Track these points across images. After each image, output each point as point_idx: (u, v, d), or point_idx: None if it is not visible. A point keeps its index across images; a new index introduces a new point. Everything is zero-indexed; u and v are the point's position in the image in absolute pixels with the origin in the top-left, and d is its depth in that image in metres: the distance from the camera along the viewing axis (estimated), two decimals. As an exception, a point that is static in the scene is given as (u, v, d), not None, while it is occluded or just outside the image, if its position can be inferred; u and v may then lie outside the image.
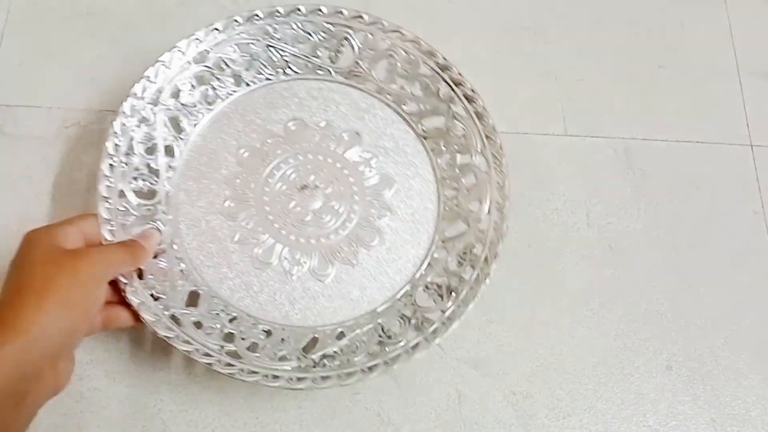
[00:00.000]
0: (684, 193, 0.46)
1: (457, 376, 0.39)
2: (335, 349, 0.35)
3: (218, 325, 0.35)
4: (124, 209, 0.36)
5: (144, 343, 0.39)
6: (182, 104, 0.40)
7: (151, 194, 0.38)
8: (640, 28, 0.51)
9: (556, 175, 0.46)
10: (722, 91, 0.49)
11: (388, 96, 0.42)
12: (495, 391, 0.39)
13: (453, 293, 0.36)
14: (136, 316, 0.34)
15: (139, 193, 0.38)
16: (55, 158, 0.43)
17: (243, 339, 0.35)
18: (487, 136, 0.38)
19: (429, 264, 0.38)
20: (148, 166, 0.38)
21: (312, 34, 0.41)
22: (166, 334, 0.34)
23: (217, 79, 0.40)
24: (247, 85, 0.41)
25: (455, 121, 0.39)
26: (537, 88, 0.48)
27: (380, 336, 0.36)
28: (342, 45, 0.41)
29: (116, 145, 0.37)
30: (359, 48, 0.41)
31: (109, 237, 0.35)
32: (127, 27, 0.47)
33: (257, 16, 0.40)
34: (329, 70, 0.42)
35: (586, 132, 0.47)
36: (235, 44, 0.40)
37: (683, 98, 0.49)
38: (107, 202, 0.36)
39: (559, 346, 0.41)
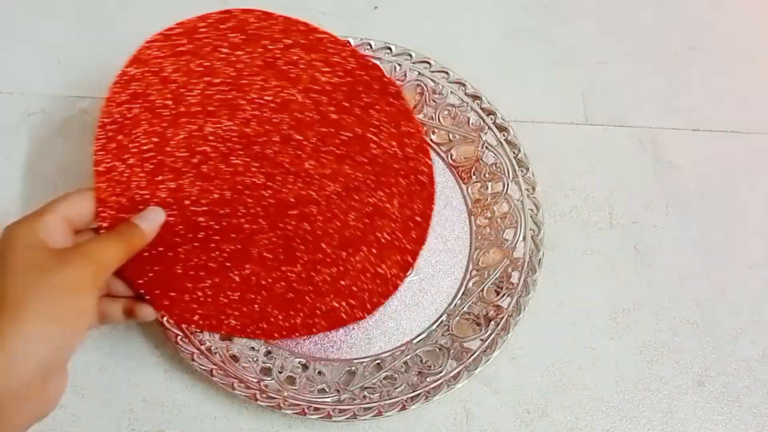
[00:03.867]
0: (718, 188, 0.45)
1: (465, 392, 0.39)
2: (374, 381, 0.37)
3: (255, 359, 0.37)
4: None
5: (115, 356, 0.38)
6: None
7: None
8: (669, 3, 0.50)
9: (576, 168, 0.45)
10: (762, 75, 0.49)
11: None
12: (507, 410, 0.39)
13: (492, 322, 0.38)
14: (156, 307, 0.35)
15: None
16: (16, 149, 0.42)
17: (280, 372, 0.37)
18: (519, 164, 0.41)
19: (464, 293, 0.40)
20: None
21: None
22: (204, 368, 0.36)
23: None
24: None
25: (486, 149, 0.42)
26: (554, 71, 0.48)
27: (419, 366, 0.38)
28: None
29: None
30: None
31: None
32: (96, 4, 0.47)
33: None
34: None
35: (609, 121, 0.47)
36: None
37: (717, 83, 0.48)
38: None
39: (578, 360, 0.40)
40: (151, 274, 0.35)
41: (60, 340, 0.28)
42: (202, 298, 0.36)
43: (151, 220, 0.33)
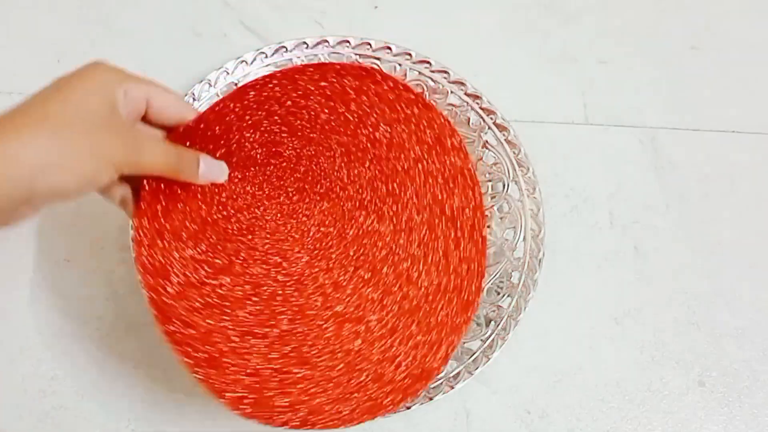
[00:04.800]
0: (718, 188, 0.45)
1: (465, 392, 0.39)
2: None
3: None
4: None
5: (115, 356, 0.38)
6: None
7: None
8: (670, 3, 0.50)
9: (576, 168, 0.45)
10: (762, 75, 0.49)
11: None
12: (507, 410, 0.39)
13: (492, 322, 0.38)
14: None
15: None
16: None
17: None
18: (519, 164, 0.41)
19: None
20: None
21: None
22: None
23: None
24: None
25: (486, 149, 0.42)
26: (554, 70, 0.48)
27: None
28: None
29: None
30: None
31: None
32: (96, 3, 0.47)
33: (285, 48, 0.43)
34: None
35: (609, 120, 0.47)
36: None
37: (718, 83, 0.48)
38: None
39: (579, 360, 0.40)
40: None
41: (59, 169, 0.26)
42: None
43: (212, 173, 0.33)
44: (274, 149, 0.36)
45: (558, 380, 0.40)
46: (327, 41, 0.44)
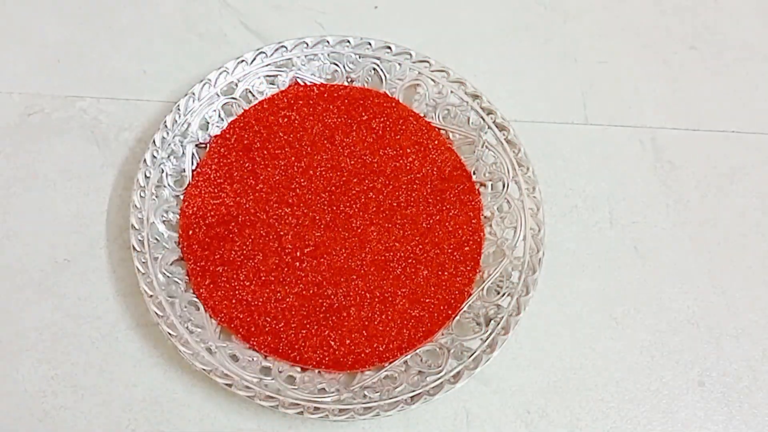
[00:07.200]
0: (718, 188, 0.45)
1: (465, 392, 0.39)
2: (374, 381, 0.37)
3: (255, 358, 0.38)
4: (155, 241, 0.39)
5: (115, 356, 0.38)
6: (210, 136, 0.42)
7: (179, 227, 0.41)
8: (669, 3, 0.50)
9: (576, 168, 0.45)
10: (761, 75, 0.49)
11: None
12: (507, 410, 0.39)
13: (492, 321, 0.38)
14: None
15: (168, 225, 0.40)
16: (16, 149, 0.42)
17: (280, 372, 0.37)
18: (519, 163, 0.41)
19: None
20: (178, 198, 0.41)
21: (339, 65, 0.44)
22: (204, 368, 0.36)
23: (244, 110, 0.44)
24: None
25: (485, 149, 0.42)
26: (554, 71, 0.48)
27: (419, 366, 0.38)
28: (370, 76, 0.44)
29: (146, 176, 0.40)
30: (387, 78, 0.44)
31: (141, 268, 0.38)
32: (96, 4, 0.47)
33: (285, 48, 0.44)
34: None
35: (609, 120, 0.47)
36: (263, 76, 0.43)
37: (717, 83, 0.48)
38: (139, 234, 0.39)
39: (579, 360, 0.40)
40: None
41: None
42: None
43: None
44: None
45: (558, 380, 0.40)
46: (327, 41, 0.44)
